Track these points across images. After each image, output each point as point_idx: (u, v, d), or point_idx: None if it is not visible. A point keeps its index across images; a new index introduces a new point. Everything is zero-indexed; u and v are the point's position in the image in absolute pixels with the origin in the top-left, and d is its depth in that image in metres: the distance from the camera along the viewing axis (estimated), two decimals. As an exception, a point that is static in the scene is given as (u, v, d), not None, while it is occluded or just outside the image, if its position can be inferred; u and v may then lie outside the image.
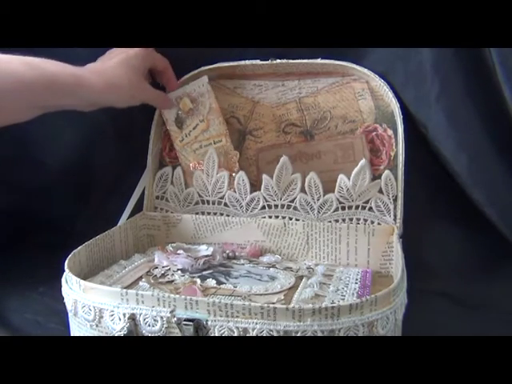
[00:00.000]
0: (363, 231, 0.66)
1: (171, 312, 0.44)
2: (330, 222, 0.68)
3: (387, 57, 0.70)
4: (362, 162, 0.66)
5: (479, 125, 0.69)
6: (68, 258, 0.54)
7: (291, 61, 0.67)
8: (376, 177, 0.67)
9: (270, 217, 0.71)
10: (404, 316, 0.48)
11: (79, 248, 0.58)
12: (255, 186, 0.72)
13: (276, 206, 0.71)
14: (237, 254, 0.69)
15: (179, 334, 0.44)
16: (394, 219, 0.65)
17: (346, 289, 0.57)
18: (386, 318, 0.44)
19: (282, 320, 0.42)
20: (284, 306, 0.42)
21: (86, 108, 0.59)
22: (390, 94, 0.65)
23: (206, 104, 0.69)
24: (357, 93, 0.69)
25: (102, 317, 0.47)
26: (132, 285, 0.58)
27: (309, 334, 0.41)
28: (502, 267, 0.73)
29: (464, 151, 0.70)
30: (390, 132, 0.67)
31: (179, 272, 0.61)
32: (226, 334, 0.43)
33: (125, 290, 0.46)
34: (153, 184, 0.76)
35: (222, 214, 0.73)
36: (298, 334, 0.41)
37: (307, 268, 0.64)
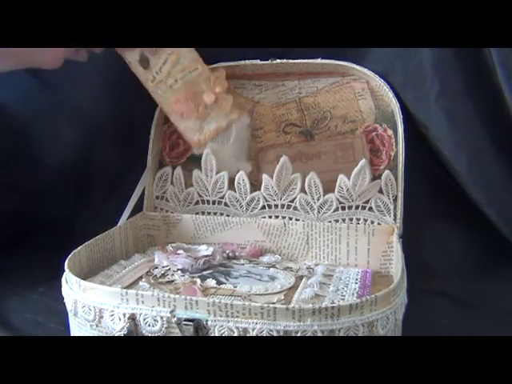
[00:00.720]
0: (363, 231, 0.66)
1: (171, 312, 0.44)
2: (330, 222, 0.68)
3: (387, 57, 0.71)
4: (362, 162, 0.66)
5: (479, 125, 0.70)
6: (68, 258, 0.54)
7: (291, 61, 0.68)
8: (376, 177, 0.67)
9: (270, 217, 0.71)
10: (404, 316, 0.48)
11: (79, 248, 0.58)
12: (255, 185, 0.72)
13: (276, 206, 0.71)
14: (237, 253, 0.69)
15: (179, 334, 0.44)
16: (394, 219, 0.65)
17: (345, 289, 0.57)
18: (386, 318, 0.44)
19: (282, 320, 0.42)
20: (284, 306, 0.42)
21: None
22: (390, 94, 0.65)
23: None
24: (357, 93, 0.69)
25: (101, 317, 0.47)
26: (132, 285, 0.58)
27: (309, 334, 0.41)
28: (501, 267, 0.73)
29: (464, 151, 0.70)
30: (390, 132, 0.67)
31: (179, 272, 0.61)
32: (226, 334, 0.43)
33: (125, 290, 0.46)
34: (153, 184, 0.76)
35: (222, 214, 0.73)
36: (298, 334, 0.41)
37: (307, 268, 0.64)
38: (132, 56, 0.64)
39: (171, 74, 0.64)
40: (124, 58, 0.63)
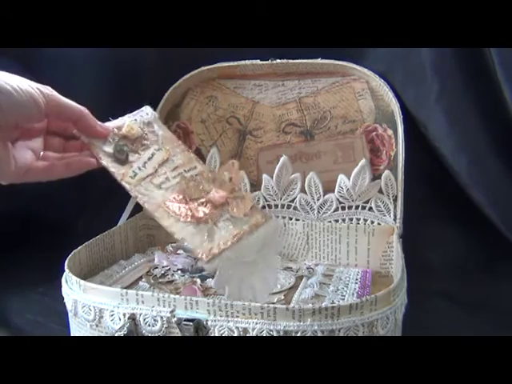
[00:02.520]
0: (363, 231, 0.66)
1: (171, 312, 0.44)
2: (330, 222, 0.68)
3: (387, 57, 0.71)
4: (362, 162, 0.66)
5: (479, 125, 0.69)
6: (68, 258, 0.54)
7: (291, 61, 0.68)
8: (376, 177, 0.67)
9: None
10: (404, 316, 0.48)
11: (79, 248, 0.58)
12: (255, 185, 0.72)
13: (276, 206, 0.71)
14: (237, 254, 0.69)
15: (179, 334, 0.44)
16: (394, 219, 0.65)
17: (345, 289, 0.57)
18: (386, 318, 0.44)
19: (282, 320, 0.42)
20: (284, 306, 0.42)
21: None
22: (390, 94, 0.65)
23: (156, 133, 0.50)
24: (357, 93, 0.69)
25: (101, 317, 0.47)
26: (132, 285, 0.58)
27: (309, 334, 0.41)
28: (501, 267, 0.73)
29: (464, 151, 0.70)
30: (390, 132, 0.67)
31: (179, 272, 0.61)
32: (225, 334, 0.43)
33: (125, 290, 0.46)
34: (153, 184, 0.75)
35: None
36: (298, 334, 0.41)
37: (307, 268, 0.64)
38: (103, 147, 0.47)
39: (159, 172, 0.48)
40: (90, 148, 0.46)
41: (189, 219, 0.46)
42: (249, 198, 0.49)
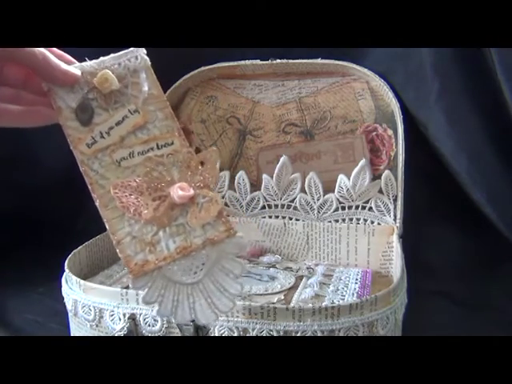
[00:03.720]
0: (363, 231, 0.66)
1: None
2: (330, 222, 0.68)
3: (387, 57, 0.71)
4: (362, 162, 0.66)
5: (479, 125, 0.69)
6: (68, 258, 0.54)
7: (291, 61, 0.68)
8: (376, 177, 0.67)
9: (270, 217, 0.71)
10: (404, 316, 0.48)
11: (79, 248, 0.58)
12: (255, 185, 0.72)
13: (276, 206, 0.71)
14: (237, 253, 0.68)
15: (179, 334, 0.44)
16: (394, 219, 0.65)
17: (345, 289, 0.57)
18: (386, 318, 0.44)
19: (282, 320, 0.42)
20: (284, 306, 0.42)
21: None
22: (390, 94, 0.65)
23: (140, 87, 0.40)
24: (357, 93, 0.69)
25: (102, 317, 0.47)
26: (132, 285, 0.58)
27: (309, 334, 0.41)
28: (501, 267, 0.73)
29: (464, 151, 0.70)
30: (390, 132, 0.67)
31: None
32: (225, 334, 0.43)
33: (125, 290, 0.46)
34: (153, 184, 0.75)
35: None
36: (298, 334, 0.41)
37: (307, 268, 0.64)
38: (65, 98, 0.38)
39: (125, 143, 0.38)
40: (51, 98, 0.38)
41: (136, 216, 0.37)
42: (217, 202, 0.38)
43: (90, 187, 0.37)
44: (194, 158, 0.39)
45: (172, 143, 0.39)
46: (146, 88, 0.40)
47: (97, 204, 0.37)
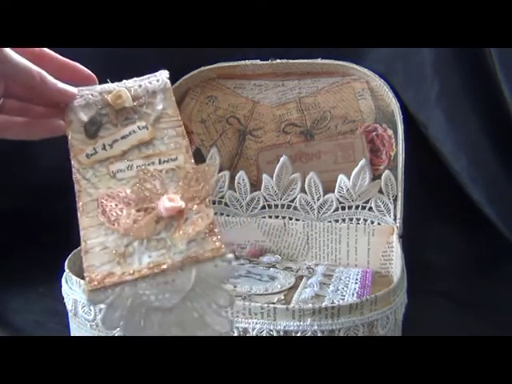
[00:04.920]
0: (363, 231, 0.66)
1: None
2: (330, 221, 0.68)
3: (387, 57, 0.71)
4: (362, 162, 0.66)
5: (479, 125, 0.70)
6: (68, 258, 0.54)
7: (291, 61, 0.68)
8: (376, 177, 0.67)
9: (270, 217, 0.71)
10: (404, 316, 0.48)
11: (79, 248, 0.58)
12: (255, 185, 0.72)
13: (276, 206, 0.71)
14: (237, 253, 0.69)
15: (179, 334, 0.44)
16: (394, 219, 0.65)
17: (345, 289, 0.57)
18: (386, 318, 0.44)
19: (282, 320, 0.42)
20: (284, 306, 0.42)
21: None
22: (390, 94, 0.65)
23: (155, 106, 0.39)
24: (357, 93, 0.69)
25: (102, 317, 0.47)
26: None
27: (309, 334, 0.41)
28: (502, 267, 0.73)
29: (463, 151, 0.70)
30: (390, 132, 0.67)
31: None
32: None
33: (125, 290, 0.46)
34: (153, 184, 0.75)
35: (222, 214, 0.73)
36: (298, 334, 0.41)
37: (307, 268, 0.64)
38: (79, 112, 0.38)
39: (126, 156, 0.36)
40: (64, 111, 0.38)
41: (115, 226, 0.33)
42: (207, 216, 0.33)
43: (77, 195, 0.36)
44: (194, 174, 0.35)
45: (176, 159, 0.36)
46: (159, 107, 0.39)
47: (78, 213, 0.35)
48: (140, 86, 0.39)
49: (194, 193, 0.34)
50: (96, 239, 0.33)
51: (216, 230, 0.33)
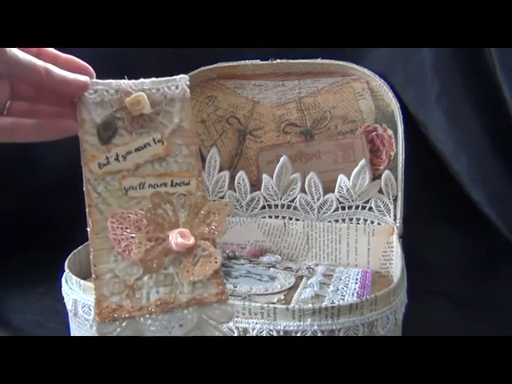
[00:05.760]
0: (363, 231, 0.66)
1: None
2: (330, 222, 0.68)
3: (387, 57, 0.71)
4: (362, 162, 0.66)
5: (479, 125, 0.70)
6: (68, 258, 0.54)
7: (291, 61, 0.68)
8: (376, 177, 0.67)
9: (270, 217, 0.71)
10: (404, 316, 0.48)
11: (79, 248, 0.58)
12: (255, 185, 0.72)
13: (276, 206, 0.71)
14: (237, 253, 0.69)
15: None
16: (394, 219, 0.65)
17: (345, 289, 0.57)
18: (386, 318, 0.44)
19: (282, 320, 0.42)
20: (284, 306, 0.42)
21: None
22: (390, 94, 0.65)
23: (172, 117, 0.37)
24: (357, 93, 0.69)
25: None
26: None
27: (309, 334, 0.41)
28: (501, 267, 0.73)
29: (464, 151, 0.70)
30: (390, 132, 0.67)
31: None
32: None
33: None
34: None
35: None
36: (298, 334, 0.41)
37: (307, 268, 0.64)
38: (91, 112, 0.36)
39: (139, 172, 0.36)
40: (77, 108, 0.36)
41: (125, 253, 0.33)
42: (216, 260, 0.34)
43: (87, 209, 0.34)
44: (206, 206, 0.36)
45: (188, 183, 0.36)
46: (177, 119, 0.37)
47: (88, 229, 0.34)
48: (158, 90, 0.37)
49: (206, 231, 0.35)
50: (106, 265, 0.33)
51: (220, 274, 0.34)
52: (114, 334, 0.33)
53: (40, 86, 0.35)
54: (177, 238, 0.33)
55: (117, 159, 0.35)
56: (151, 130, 0.36)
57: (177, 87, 0.37)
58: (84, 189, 0.35)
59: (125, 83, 0.37)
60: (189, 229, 0.34)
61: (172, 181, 0.36)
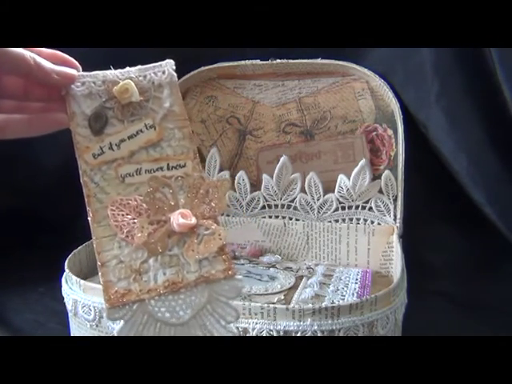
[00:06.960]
0: (363, 231, 0.66)
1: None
2: (330, 222, 0.68)
3: (387, 57, 0.71)
4: (362, 162, 0.66)
5: (479, 125, 0.70)
6: (68, 258, 0.54)
7: (291, 61, 0.68)
8: (376, 177, 0.67)
9: (270, 217, 0.71)
10: (404, 316, 0.48)
11: (79, 248, 0.58)
12: (255, 185, 0.72)
13: (276, 206, 0.71)
14: (237, 253, 0.69)
15: (179, 334, 0.44)
16: (394, 219, 0.65)
17: (345, 289, 0.57)
18: (386, 318, 0.44)
19: (282, 320, 0.42)
20: (284, 306, 0.42)
21: None
22: (390, 94, 0.65)
23: (162, 102, 0.37)
24: (357, 93, 0.69)
25: (102, 317, 0.47)
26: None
27: (309, 334, 0.41)
28: (501, 267, 0.73)
29: (463, 151, 0.70)
30: (390, 132, 0.67)
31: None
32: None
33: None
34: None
35: (222, 214, 0.73)
36: (298, 334, 0.41)
37: (307, 268, 0.64)
38: (81, 104, 0.36)
39: (134, 159, 0.36)
40: (66, 102, 0.36)
41: (128, 239, 0.34)
42: (220, 236, 0.34)
43: (86, 200, 0.35)
44: (204, 185, 0.36)
45: (184, 165, 0.36)
46: (167, 104, 0.37)
47: (89, 219, 0.34)
48: (145, 77, 0.37)
49: (206, 210, 0.35)
50: (110, 252, 0.34)
51: (226, 250, 0.34)
52: (126, 319, 0.33)
53: (29, 77, 0.35)
54: (178, 219, 0.34)
55: (111, 148, 0.36)
56: (142, 117, 0.37)
57: (163, 72, 0.38)
58: (81, 181, 0.35)
59: (111, 73, 0.37)
60: (189, 210, 0.34)
61: (168, 164, 0.36)
